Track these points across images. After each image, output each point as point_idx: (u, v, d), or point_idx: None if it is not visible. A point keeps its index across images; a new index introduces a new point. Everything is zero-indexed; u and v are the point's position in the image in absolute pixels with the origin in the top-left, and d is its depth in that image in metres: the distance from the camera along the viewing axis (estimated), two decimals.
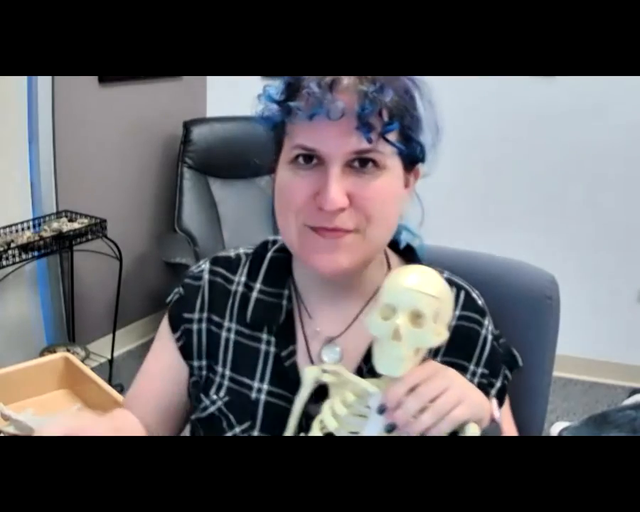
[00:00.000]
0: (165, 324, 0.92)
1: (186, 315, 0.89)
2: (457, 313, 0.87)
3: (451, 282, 0.88)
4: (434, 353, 0.84)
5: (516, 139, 2.78)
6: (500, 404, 0.87)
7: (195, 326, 0.89)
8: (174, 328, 0.90)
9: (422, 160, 0.82)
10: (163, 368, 0.92)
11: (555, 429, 2.34)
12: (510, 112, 2.75)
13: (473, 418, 0.72)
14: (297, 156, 0.77)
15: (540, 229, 2.81)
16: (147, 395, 0.92)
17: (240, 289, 0.89)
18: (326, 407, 0.75)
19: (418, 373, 0.71)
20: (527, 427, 1.01)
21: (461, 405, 0.71)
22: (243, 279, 0.89)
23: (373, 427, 0.72)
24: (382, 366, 0.71)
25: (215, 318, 0.88)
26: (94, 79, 2.63)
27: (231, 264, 0.91)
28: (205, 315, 0.89)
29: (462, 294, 0.88)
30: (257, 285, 0.88)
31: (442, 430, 0.69)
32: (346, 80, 0.73)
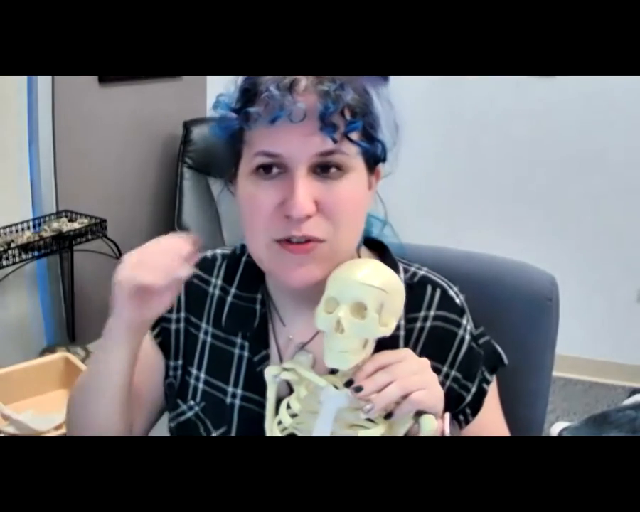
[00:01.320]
0: None
1: (164, 314, 0.86)
2: (432, 313, 0.84)
3: (427, 280, 0.86)
4: None
5: (517, 138, 2.78)
6: (478, 408, 0.86)
7: (173, 326, 0.89)
8: (152, 326, 0.88)
9: (384, 159, 0.80)
10: (144, 353, 0.88)
11: (555, 429, 2.34)
12: (509, 111, 2.75)
13: (432, 409, 0.71)
14: (258, 167, 0.74)
15: (540, 229, 2.81)
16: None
17: (217, 292, 0.88)
18: (283, 404, 0.75)
19: (391, 355, 0.72)
20: (527, 427, 1.01)
21: (425, 391, 0.70)
22: (220, 282, 0.89)
23: (324, 422, 0.71)
24: (329, 360, 0.70)
25: (193, 319, 0.88)
26: (94, 79, 2.63)
27: (206, 264, 0.90)
28: (182, 315, 0.89)
29: (438, 293, 0.85)
30: (233, 289, 0.88)
31: (403, 409, 0.69)
32: (304, 81, 0.72)
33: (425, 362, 0.74)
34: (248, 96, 0.74)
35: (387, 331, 0.71)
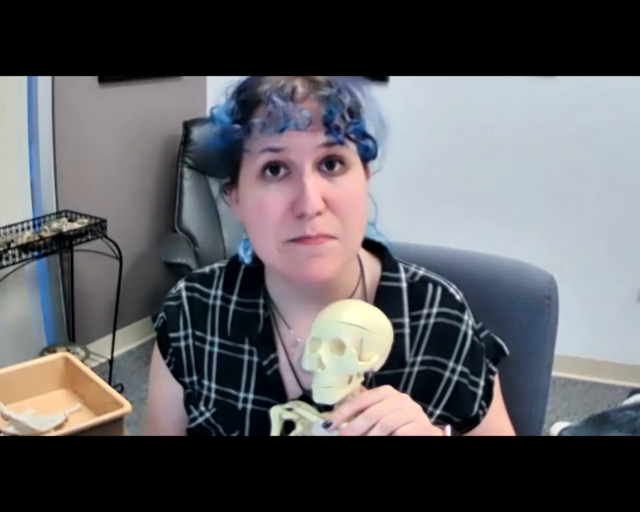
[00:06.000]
0: (156, 349, 0.93)
1: (172, 335, 0.90)
2: (435, 310, 0.86)
3: (428, 279, 0.88)
4: (415, 352, 0.84)
5: (517, 137, 2.78)
6: (490, 398, 0.87)
7: (182, 343, 0.90)
8: (163, 353, 0.91)
9: (375, 156, 0.81)
10: (166, 395, 0.93)
11: (555, 429, 2.34)
12: (510, 111, 2.75)
13: None
14: (264, 168, 0.75)
15: (540, 228, 2.81)
16: (166, 427, 0.94)
17: (218, 302, 0.89)
18: None
19: (370, 396, 0.72)
20: (526, 427, 1.01)
21: (412, 424, 0.71)
22: (220, 292, 0.89)
23: None
24: (315, 396, 0.74)
25: (198, 333, 0.89)
26: (94, 79, 2.64)
27: (206, 279, 0.91)
28: (190, 331, 0.89)
29: (439, 290, 0.87)
30: (234, 297, 0.88)
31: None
32: (302, 88, 0.73)
33: (405, 397, 0.74)
34: (249, 106, 0.74)
35: (369, 366, 0.73)
